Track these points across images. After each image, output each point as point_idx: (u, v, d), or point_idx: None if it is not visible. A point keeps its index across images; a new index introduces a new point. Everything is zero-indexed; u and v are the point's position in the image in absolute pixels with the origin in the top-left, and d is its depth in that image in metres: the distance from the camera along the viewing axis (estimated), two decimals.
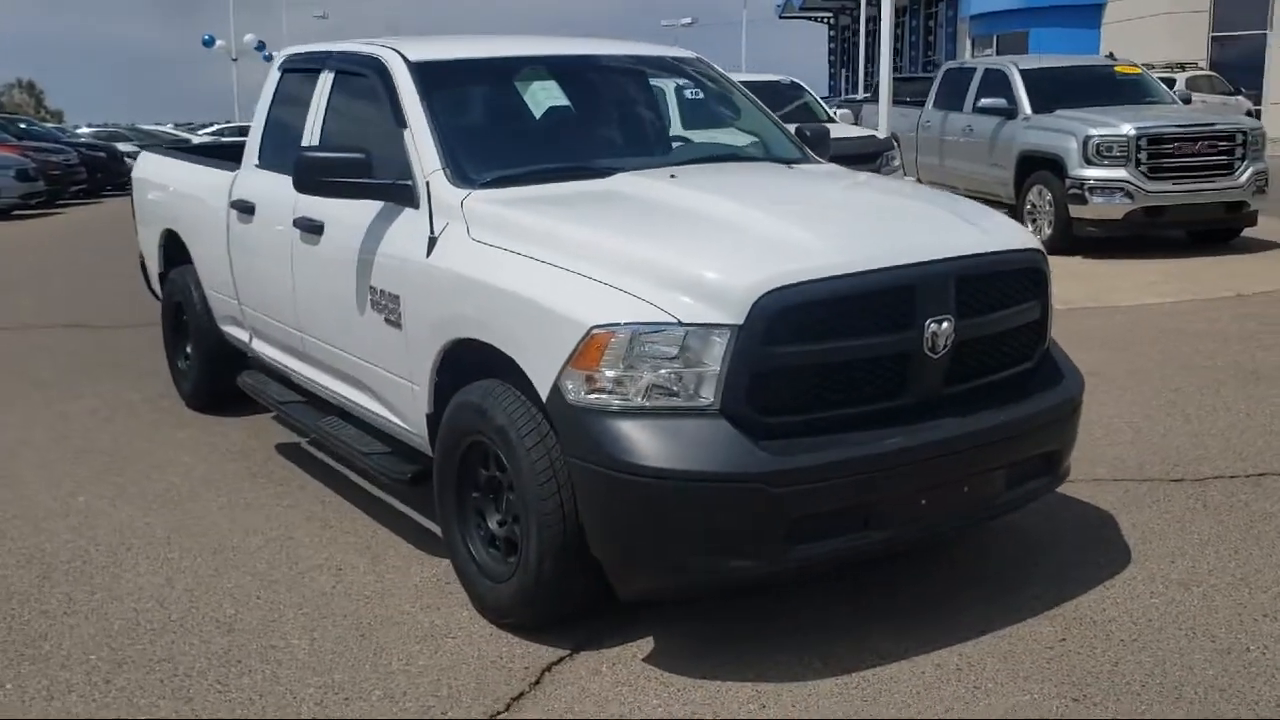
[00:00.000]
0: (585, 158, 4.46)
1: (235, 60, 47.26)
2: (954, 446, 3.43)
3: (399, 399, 4.21)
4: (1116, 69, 12.64)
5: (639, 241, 3.47)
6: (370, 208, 4.25)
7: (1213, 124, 10.92)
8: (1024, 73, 12.16)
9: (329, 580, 4.15)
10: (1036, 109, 11.74)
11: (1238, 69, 29.27)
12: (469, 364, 3.81)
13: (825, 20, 64.19)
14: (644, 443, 3.18)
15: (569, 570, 3.45)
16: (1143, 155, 10.52)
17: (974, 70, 13.21)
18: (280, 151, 5.20)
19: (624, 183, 4.08)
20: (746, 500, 3.16)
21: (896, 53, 51.31)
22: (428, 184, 3.94)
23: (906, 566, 4.03)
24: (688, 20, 70.27)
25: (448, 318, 3.79)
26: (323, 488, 5.13)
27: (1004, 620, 3.67)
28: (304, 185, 4.16)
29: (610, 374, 3.22)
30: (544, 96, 4.37)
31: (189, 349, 6.48)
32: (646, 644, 3.59)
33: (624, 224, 3.66)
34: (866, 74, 44.12)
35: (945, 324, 3.39)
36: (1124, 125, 10.64)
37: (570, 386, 3.27)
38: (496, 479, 3.72)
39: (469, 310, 3.68)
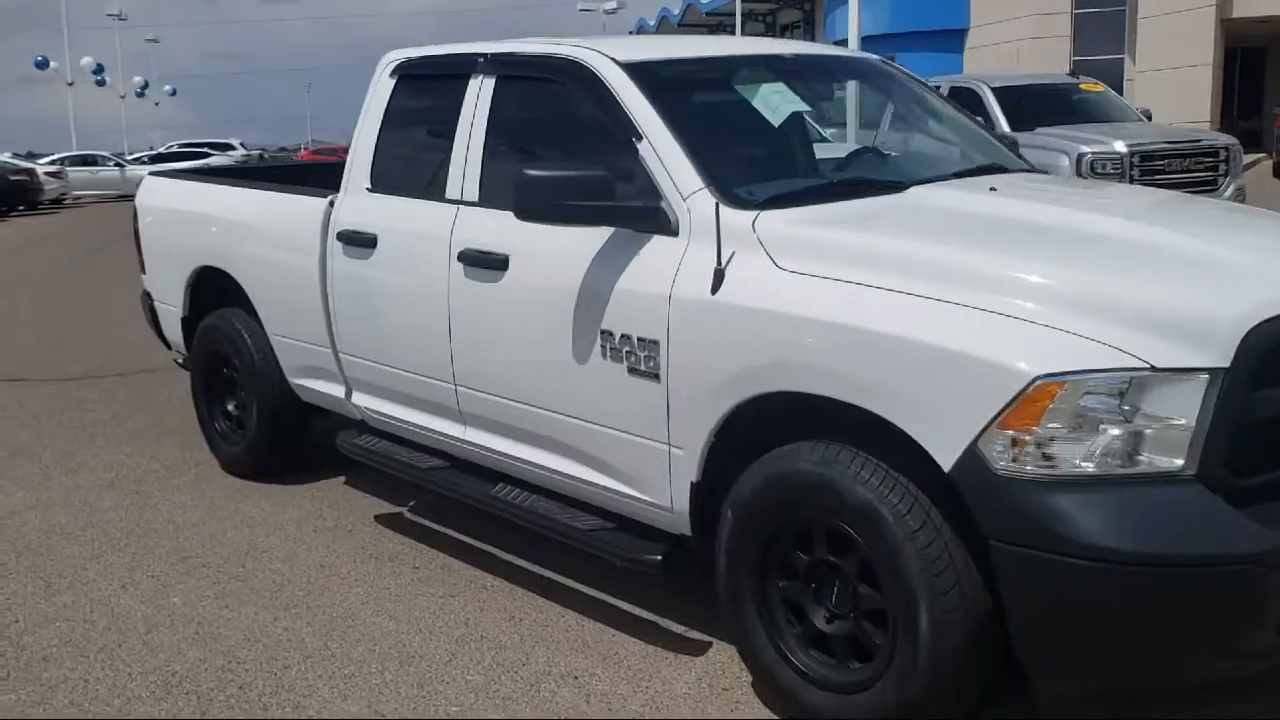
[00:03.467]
0: (854, 169, 3.82)
1: (71, 84, 44.45)
2: None
3: (640, 465, 3.47)
4: (1082, 86, 12.65)
5: (1049, 270, 2.84)
6: (587, 237, 3.52)
7: (1199, 140, 10.98)
8: (996, 91, 12.01)
9: (573, 693, 3.37)
10: (1014, 127, 11.57)
11: None
12: (760, 421, 3.14)
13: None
14: (1105, 520, 2.56)
15: (969, 672, 2.80)
16: (1135, 171, 10.46)
17: (937, 90, 12.99)
18: (409, 173, 4.40)
19: (933, 198, 3.47)
20: (1238, 585, 2.57)
21: None
22: (716, 206, 3.21)
23: None
24: (612, 6, 62.76)
25: (755, 366, 3.08)
26: (469, 568, 4.31)
27: None
28: (533, 211, 3.40)
29: (1056, 434, 2.59)
30: (779, 101, 3.73)
31: (233, 406, 5.52)
32: None
33: (1007, 248, 3.02)
34: None
35: None
36: (1116, 142, 10.56)
37: (997, 451, 2.62)
38: (829, 565, 3.03)
39: (801, 357, 2.98)
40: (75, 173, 35.21)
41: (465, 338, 4.00)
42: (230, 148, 44.81)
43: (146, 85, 61.67)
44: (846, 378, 2.89)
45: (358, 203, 4.52)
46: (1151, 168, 10.51)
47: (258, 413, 5.24)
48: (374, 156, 4.52)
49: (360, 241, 4.41)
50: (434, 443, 4.37)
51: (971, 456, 2.66)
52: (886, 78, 4.66)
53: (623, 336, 3.41)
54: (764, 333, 3.07)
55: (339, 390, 4.82)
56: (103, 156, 39.53)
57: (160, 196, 5.89)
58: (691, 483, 3.33)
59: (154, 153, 43.97)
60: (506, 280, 3.81)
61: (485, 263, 3.86)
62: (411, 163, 4.42)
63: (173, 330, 5.86)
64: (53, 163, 35.75)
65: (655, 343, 3.32)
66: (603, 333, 3.47)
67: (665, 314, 3.29)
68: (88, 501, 5.22)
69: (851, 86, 4.64)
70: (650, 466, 3.45)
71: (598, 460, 3.63)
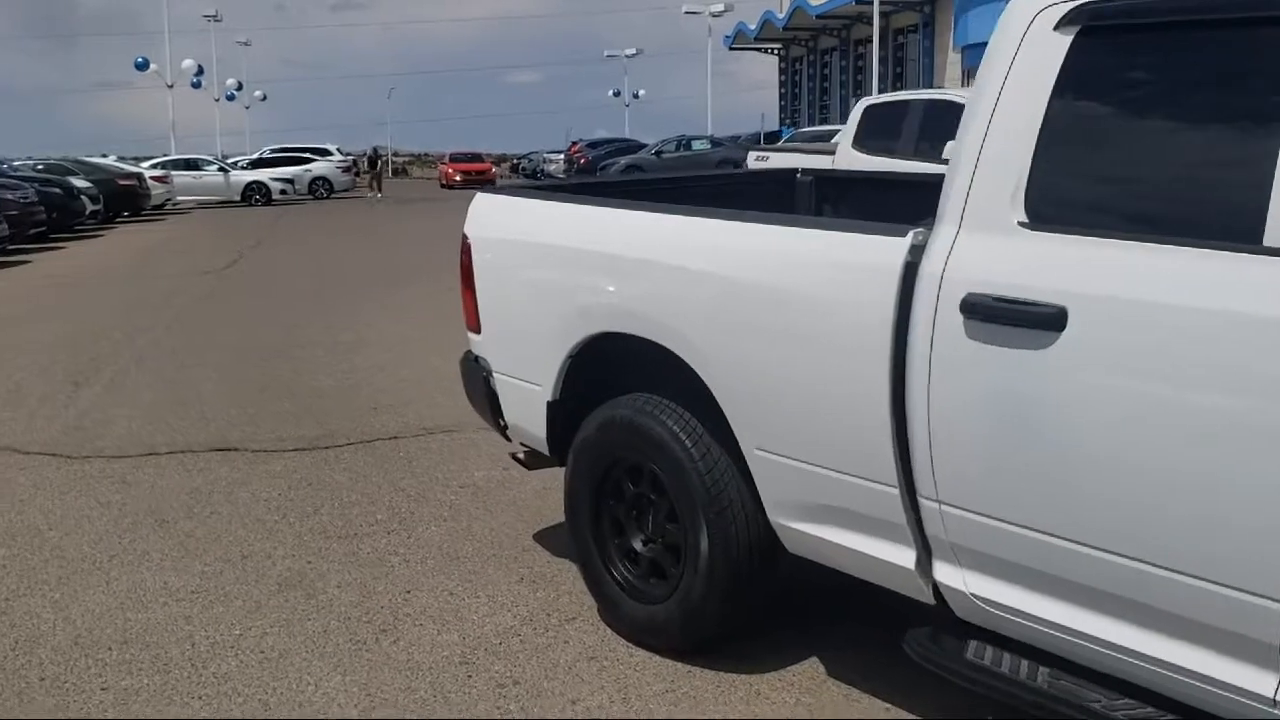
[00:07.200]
0: None
1: (171, 87, 43.53)
2: None
3: None
4: None
5: None
6: None
7: None
8: None
9: None
10: None
11: None
12: None
13: (776, 51, 62.42)
14: None
15: None
16: None
17: None
18: (1140, 198, 2.49)
19: None
20: None
21: (858, 85, 49.65)
22: None
23: None
24: (632, 51, 68.82)
25: None
26: None
27: None
28: None
29: None
30: None
31: (641, 543, 3.64)
32: None
33: None
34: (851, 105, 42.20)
35: None
36: None
37: None
38: None
39: None
40: (179, 177, 34.13)
41: None
42: (327, 153, 43.60)
43: (240, 87, 60.85)
44: None
45: (996, 248, 2.60)
46: None
47: (709, 560, 3.34)
48: (1032, 166, 2.60)
49: (1022, 318, 2.49)
50: (1181, 693, 2.42)
51: None
52: None
53: None
54: None
55: (900, 555, 2.90)
56: (205, 161, 38.42)
57: (512, 225, 4.03)
58: None
59: (253, 157, 42.87)
60: None
61: None
62: (1140, 180, 2.50)
63: (526, 416, 4.00)
64: (156, 166, 34.66)
65: None
66: None
67: None
68: (447, 699, 3.36)
69: None
70: None
71: None
